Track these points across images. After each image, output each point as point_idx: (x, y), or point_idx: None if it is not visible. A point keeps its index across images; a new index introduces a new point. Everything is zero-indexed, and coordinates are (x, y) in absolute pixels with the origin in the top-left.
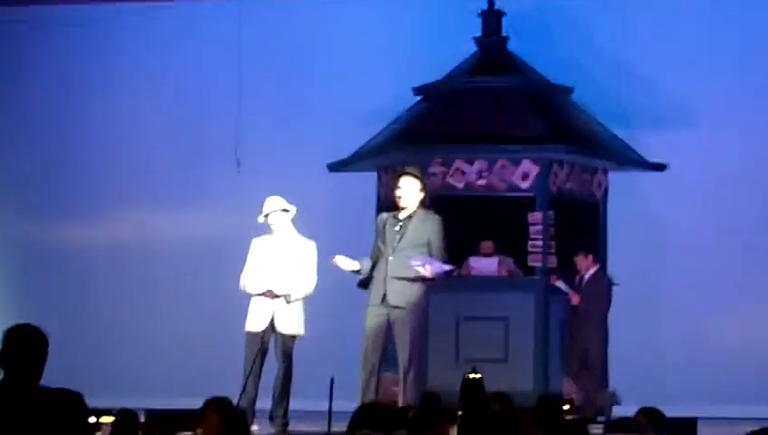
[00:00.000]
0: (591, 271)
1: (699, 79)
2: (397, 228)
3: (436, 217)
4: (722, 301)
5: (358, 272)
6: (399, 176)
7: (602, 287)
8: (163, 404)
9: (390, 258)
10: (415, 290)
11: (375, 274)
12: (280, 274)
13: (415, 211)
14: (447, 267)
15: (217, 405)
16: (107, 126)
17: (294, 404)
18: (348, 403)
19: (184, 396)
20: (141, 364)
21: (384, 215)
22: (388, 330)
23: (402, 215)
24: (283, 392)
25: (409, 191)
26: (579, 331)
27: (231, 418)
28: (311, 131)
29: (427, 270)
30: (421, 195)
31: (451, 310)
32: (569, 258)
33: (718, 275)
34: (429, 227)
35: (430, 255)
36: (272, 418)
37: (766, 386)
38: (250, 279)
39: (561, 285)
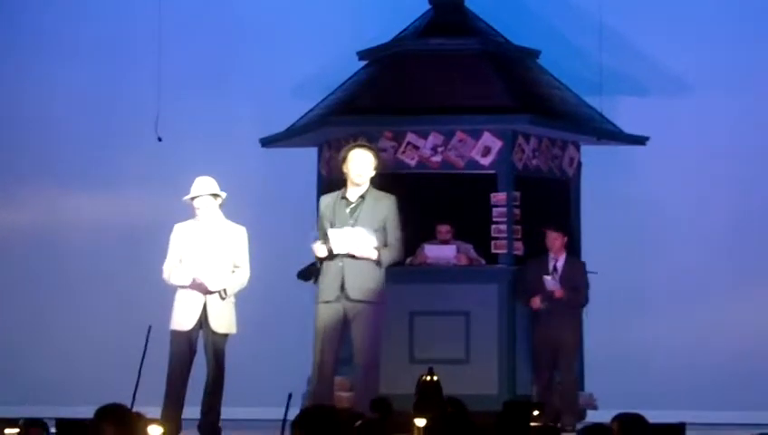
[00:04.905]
0: (564, 255)
1: (686, 40)
2: (348, 211)
3: (391, 195)
4: (712, 293)
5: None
6: (351, 149)
7: (580, 275)
8: (75, 413)
9: None
10: (375, 281)
11: (325, 266)
12: (210, 264)
13: (367, 190)
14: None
15: (112, 414)
16: (7, 96)
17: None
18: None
19: (99, 402)
20: (50, 367)
21: (328, 198)
22: (344, 327)
23: (352, 195)
24: (215, 398)
25: (365, 166)
26: (550, 326)
27: (130, 427)
28: (240, 102)
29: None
30: (373, 172)
31: (404, 304)
32: (537, 244)
33: (707, 263)
34: (384, 208)
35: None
36: (201, 427)
37: (760, 390)
38: (175, 270)
39: (550, 284)
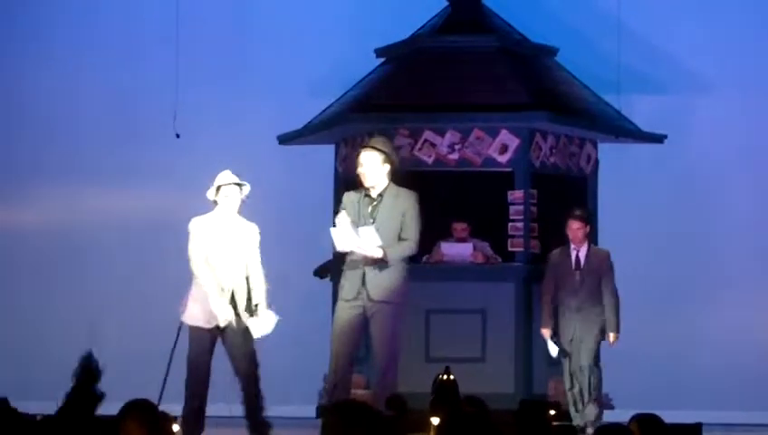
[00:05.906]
0: (586, 245)
1: (704, 38)
2: (369, 209)
3: (411, 192)
4: (729, 292)
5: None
6: (360, 151)
7: (605, 265)
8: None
9: None
10: (396, 281)
11: (346, 264)
12: (234, 268)
13: (386, 187)
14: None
15: (139, 410)
16: (26, 93)
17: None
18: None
19: (118, 400)
20: (70, 364)
21: (352, 194)
22: (363, 326)
23: (374, 193)
24: (258, 394)
25: (372, 168)
26: (575, 330)
27: (154, 425)
28: (258, 99)
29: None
30: (387, 168)
31: (420, 302)
32: (553, 243)
33: (725, 261)
34: (402, 204)
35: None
36: (251, 426)
37: None
38: (218, 305)
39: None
